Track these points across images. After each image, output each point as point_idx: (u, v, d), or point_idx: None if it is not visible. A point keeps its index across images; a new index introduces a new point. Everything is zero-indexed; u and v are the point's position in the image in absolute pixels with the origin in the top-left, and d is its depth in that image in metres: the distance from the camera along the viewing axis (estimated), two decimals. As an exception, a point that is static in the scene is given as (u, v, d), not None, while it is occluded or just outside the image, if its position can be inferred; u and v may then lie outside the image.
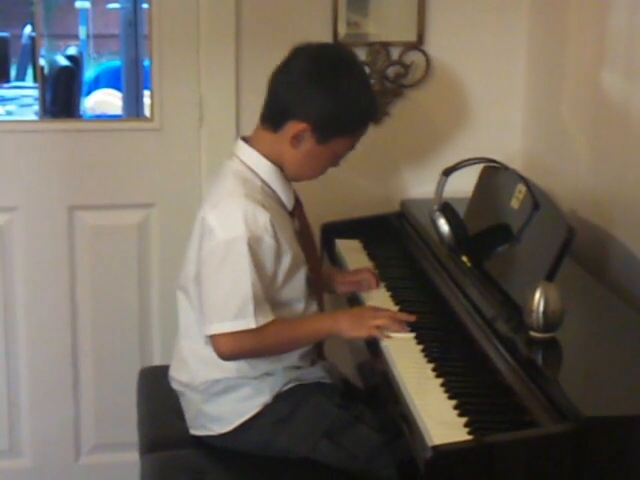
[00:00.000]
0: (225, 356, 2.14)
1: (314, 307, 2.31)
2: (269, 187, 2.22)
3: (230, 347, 2.13)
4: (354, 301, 2.47)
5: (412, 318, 2.21)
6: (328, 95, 2.17)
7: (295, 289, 2.24)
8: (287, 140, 2.19)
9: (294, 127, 2.18)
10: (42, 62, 4.46)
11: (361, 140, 3.04)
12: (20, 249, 3.04)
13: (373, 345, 2.19)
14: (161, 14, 2.95)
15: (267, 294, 2.14)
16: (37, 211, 3.02)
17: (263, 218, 2.12)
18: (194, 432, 2.30)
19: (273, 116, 2.22)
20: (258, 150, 2.23)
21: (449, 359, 2.08)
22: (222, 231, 2.12)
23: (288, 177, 2.26)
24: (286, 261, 2.19)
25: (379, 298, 2.43)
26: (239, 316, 2.09)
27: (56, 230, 3.03)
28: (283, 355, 2.22)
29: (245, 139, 2.27)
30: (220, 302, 2.12)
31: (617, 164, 2.51)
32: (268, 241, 2.13)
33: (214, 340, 2.13)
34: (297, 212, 2.32)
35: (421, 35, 3.01)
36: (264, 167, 2.22)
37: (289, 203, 2.27)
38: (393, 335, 2.16)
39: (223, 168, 2.27)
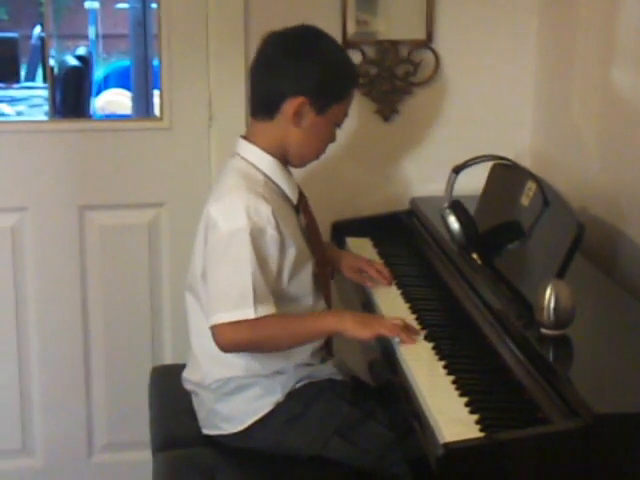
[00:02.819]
0: (223, 347, 2.13)
1: (322, 303, 2.32)
2: (272, 181, 2.24)
3: (228, 338, 2.11)
4: (367, 303, 2.47)
5: (419, 331, 2.18)
6: (313, 64, 2.21)
7: (302, 284, 2.25)
8: (288, 121, 2.21)
9: (292, 104, 2.19)
10: (52, 62, 4.47)
11: (370, 138, 3.07)
12: (31, 249, 3.04)
13: (384, 343, 2.20)
14: (170, 14, 2.95)
15: (272, 287, 2.14)
16: (47, 211, 3.02)
17: (265, 210, 2.13)
18: (206, 432, 2.30)
19: (265, 104, 2.24)
20: (258, 145, 2.25)
21: (460, 356, 2.08)
22: (225, 223, 2.13)
23: (293, 163, 2.28)
24: (291, 254, 2.19)
25: (390, 296, 2.43)
26: (239, 306, 2.09)
27: (67, 230, 3.03)
28: (294, 352, 2.21)
29: (244, 137, 2.29)
30: (221, 292, 2.12)
31: (627, 160, 2.51)
32: (271, 233, 2.13)
33: (214, 331, 2.12)
34: (302, 206, 2.33)
35: (430, 33, 3.01)
36: (266, 161, 2.24)
37: (293, 196, 2.28)
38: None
39: (226, 166, 2.29)
